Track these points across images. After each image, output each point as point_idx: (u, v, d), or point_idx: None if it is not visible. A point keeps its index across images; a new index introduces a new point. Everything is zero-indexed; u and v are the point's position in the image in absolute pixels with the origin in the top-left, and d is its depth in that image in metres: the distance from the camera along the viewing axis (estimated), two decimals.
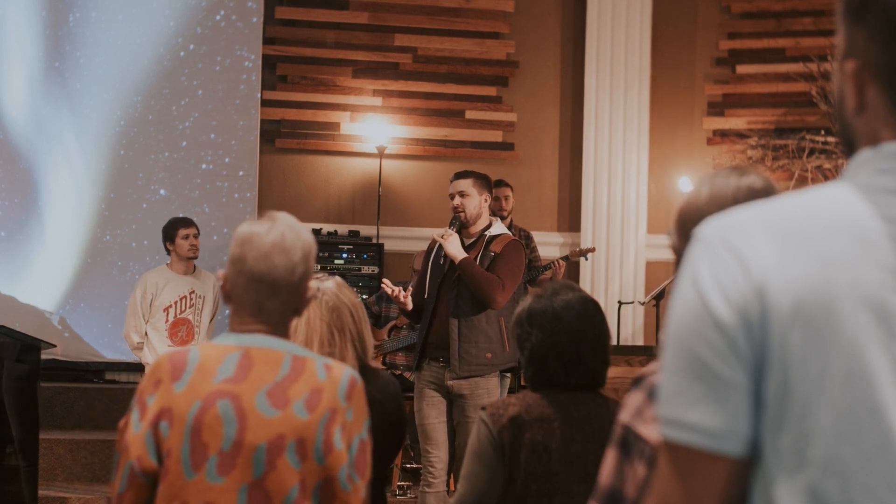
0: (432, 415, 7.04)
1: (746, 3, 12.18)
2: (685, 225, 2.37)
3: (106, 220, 11.06)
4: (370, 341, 4.26)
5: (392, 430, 4.29)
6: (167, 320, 8.65)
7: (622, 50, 11.93)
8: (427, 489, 7.00)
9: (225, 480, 3.01)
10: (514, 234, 10.08)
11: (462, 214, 7.18)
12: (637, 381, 2.33)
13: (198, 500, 3.01)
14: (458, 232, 7.17)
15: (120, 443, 3.10)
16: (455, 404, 7.03)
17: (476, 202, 7.19)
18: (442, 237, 7.08)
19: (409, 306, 7.18)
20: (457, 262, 6.99)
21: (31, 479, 7.81)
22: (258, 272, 3.10)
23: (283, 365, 3.10)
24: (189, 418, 3.02)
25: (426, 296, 7.19)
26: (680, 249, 2.37)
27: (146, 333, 8.64)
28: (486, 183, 7.29)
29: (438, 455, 7.00)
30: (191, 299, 8.75)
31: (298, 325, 4.11)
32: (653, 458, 2.20)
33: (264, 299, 3.11)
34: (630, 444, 2.24)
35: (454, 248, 7.03)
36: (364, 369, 4.20)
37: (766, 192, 2.38)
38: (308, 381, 3.09)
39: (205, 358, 3.10)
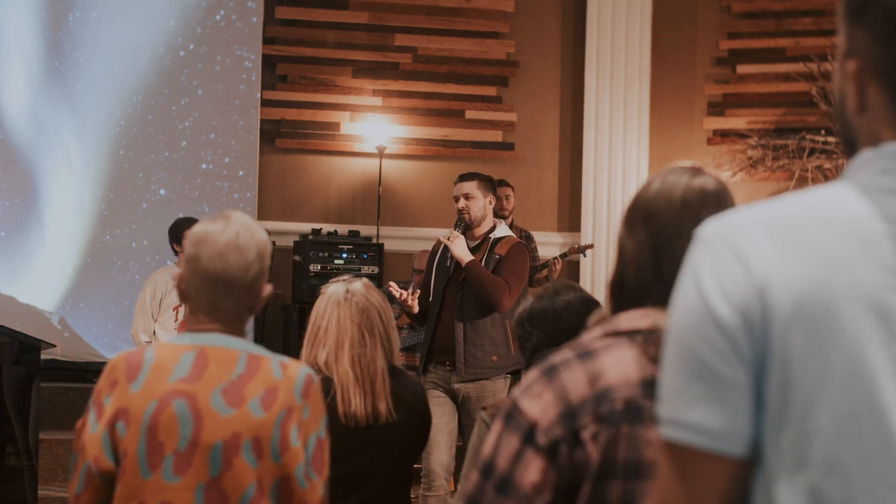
0: (436, 415, 6.98)
1: (746, 2, 12.18)
2: (631, 218, 2.37)
3: (106, 220, 11.05)
4: (397, 342, 4.29)
5: (420, 429, 4.32)
6: (176, 319, 8.65)
7: (622, 50, 11.93)
8: (427, 493, 6.97)
9: (181, 480, 3.00)
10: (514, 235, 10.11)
11: (467, 216, 7.17)
12: (539, 358, 2.34)
13: (154, 499, 3.00)
14: (463, 234, 7.16)
15: (77, 443, 3.10)
16: (462, 407, 7.02)
17: (481, 204, 7.18)
18: (448, 239, 7.06)
19: (415, 310, 7.17)
20: (463, 265, 6.98)
21: (31, 479, 7.80)
22: (213, 271, 3.10)
23: (238, 363, 3.10)
24: (145, 418, 3.02)
25: (431, 298, 7.18)
26: (622, 242, 2.37)
27: (154, 332, 8.63)
28: (490, 185, 7.29)
29: (439, 457, 6.98)
30: None
31: (329, 326, 4.14)
32: (528, 432, 2.21)
33: (219, 298, 3.11)
34: (511, 416, 2.25)
35: (460, 250, 7.02)
36: (392, 370, 4.23)
37: (717, 194, 2.35)
38: (263, 379, 3.08)
39: (160, 358, 3.10)
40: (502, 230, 7.26)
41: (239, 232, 3.12)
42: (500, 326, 7.05)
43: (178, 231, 8.78)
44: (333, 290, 4.26)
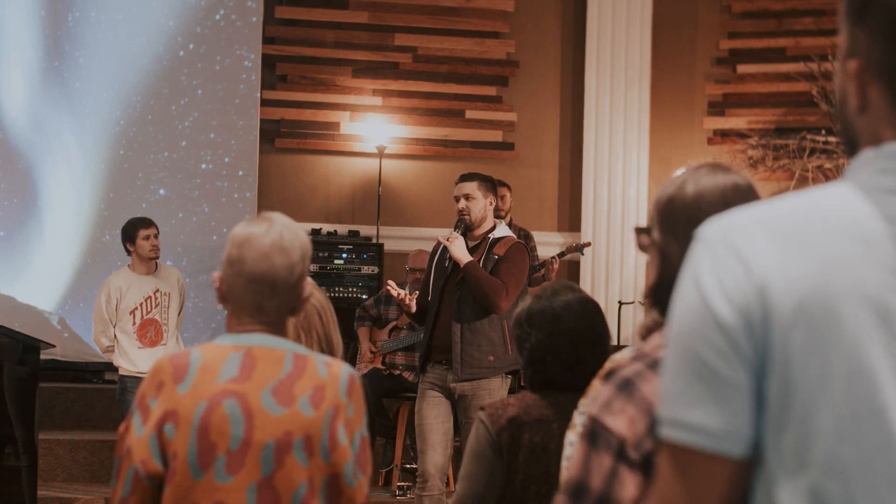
0: (431, 415, 7.02)
1: (747, 2, 12.18)
2: (670, 220, 2.37)
3: (105, 220, 11.05)
4: (338, 342, 4.26)
5: None
6: (134, 322, 8.60)
7: (622, 49, 11.93)
8: (422, 493, 6.98)
9: (234, 480, 3.00)
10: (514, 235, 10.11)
11: (467, 217, 7.16)
12: (609, 375, 2.33)
13: (207, 500, 3.00)
14: (463, 235, 7.16)
15: (121, 447, 3.08)
16: (458, 405, 7.02)
17: (481, 205, 7.17)
18: (447, 240, 7.06)
19: (413, 309, 7.17)
20: (461, 266, 6.97)
21: (31, 479, 7.79)
22: (258, 273, 3.10)
23: (285, 363, 3.10)
24: (195, 419, 3.01)
25: (430, 298, 7.18)
26: (665, 247, 2.37)
27: (115, 336, 8.59)
28: (490, 185, 7.28)
29: (434, 457, 6.97)
30: (156, 298, 8.68)
31: None
32: (619, 449, 2.21)
33: (264, 299, 3.12)
34: (598, 435, 2.25)
35: (459, 251, 7.01)
36: None
37: (750, 190, 2.37)
38: (311, 378, 3.10)
39: (207, 358, 3.10)
40: (502, 230, 7.25)
41: (283, 233, 3.12)
42: (498, 327, 7.04)
43: (131, 231, 8.69)
44: None
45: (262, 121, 11.65)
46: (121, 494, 3.05)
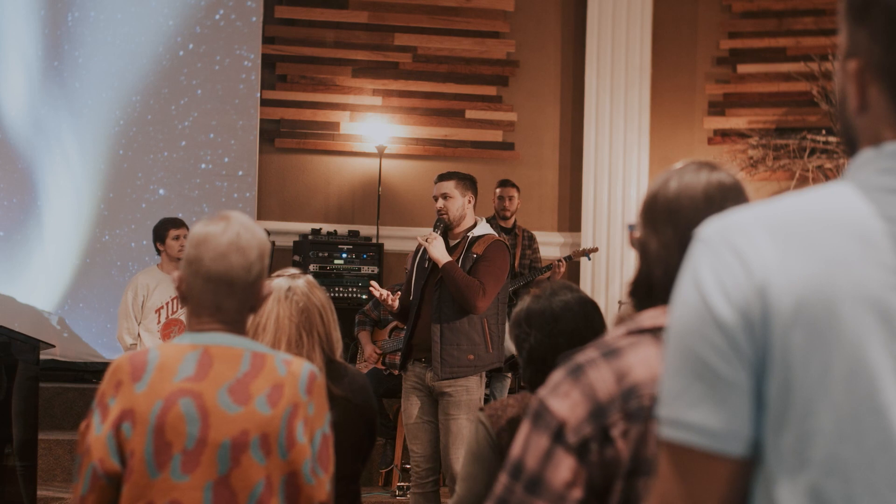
0: (415, 414, 7.07)
1: (747, 2, 12.18)
2: (653, 217, 2.37)
3: (105, 220, 11.05)
4: (338, 340, 4.28)
5: (363, 422, 4.31)
6: (159, 321, 8.63)
7: (623, 49, 11.92)
8: (416, 490, 7.05)
9: (190, 478, 3.01)
10: (518, 235, 10.11)
11: (445, 217, 7.16)
12: (564, 359, 2.34)
13: (163, 499, 3.01)
14: (444, 234, 7.16)
15: (81, 445, 3.10)
16: (439, 403, 7.04)
17: (459, 204, 7.17)
18: (426, 240, 7.06)
19: (395, 308, 7.19)
20: (440, 266, 6.97)
21: (30, 479, 7.79)
22: (216, 272, 3.11)
23: (243, 361, 3.11)
24: (152, 418, 3.03)
25: (411, 297, 7.18)
26: (645, 242, 2.37)
27: (139, 335, 8.61)
28: (469, 184, 7.26)
29: (424, 455, 7.04)
30: None
31: (268, 323, 4.14)
32: (557, 431, 2.23)
33: (222, 299, 3.13)
34: (539, 416, 2.26)
35: (438, 251, 7.02)
36: (331, 366, 4.23)
37: (735, 189, 2.37)
38: (269, 376, 3.10)
39: (164, 357, 3.11)
40: (482, 228, 7.24)
41: (240, 232, 3.13)
42: (479, 326, 7.05)
43: (162, 230, 8.75)
44: (276, 284, 4.25)
45: (261, 121, 11.65)
46: (80, 492, 3.07)
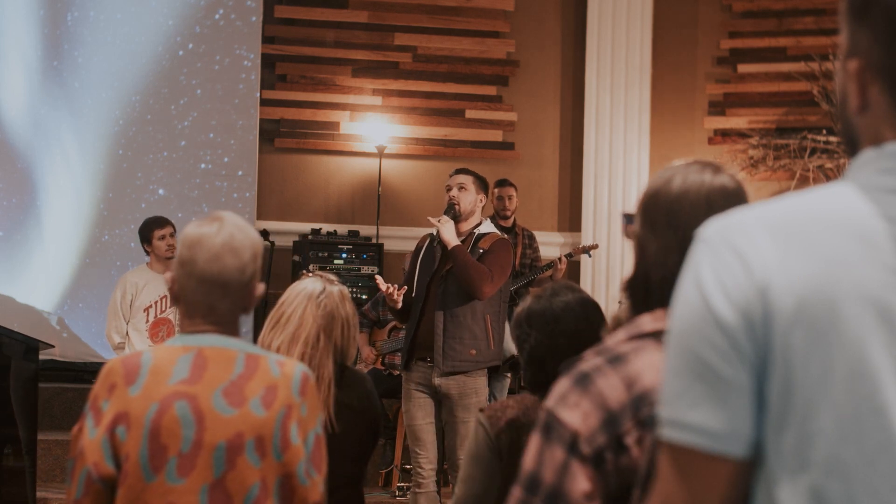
0: (419, 416, 7.03)
1: (748, 2, 12.18)
2: (652, 217, 2.35)
3: (104, 220, 11.05)
4: (351, 357, 4.31)
5: (368, 429, 4.32)
6: (148, 320, 8.60)
7: (623, 49, 11.92)
8: (417, 490, 7.02)
9: (185, 482, 3.00)
10: (518, 234, 10.11)
11: (457, 205, 7.15)
12: (567, 367, 2.33)
13: (159, 502, 3.00)
14: (448, 213, 7.16)
15: (74, 449, 3.09)
16: (443, 404, 7.02)
17: (472, 198, 7.18)
18: (439, 221, 7.05)
19: (399, 304, 7.11)
20: (449, 248, 6.96)
21: (30, 479, 7.78)
22: (209, 274, 3.10)
23: (237, 363, 3.10)
24: (147, 421, 3.02)
25: (414, 294, 7.15)
26: (644, 242, 2.36)
27: (127, 334, 8.59)
28: (484, 184, 7.31)
29: (427, 456, 7.01)
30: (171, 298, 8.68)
31: (293, 316, 4.16)
32: (571, 443, 2.22)
33: (215, 300, 3.12)
34: (551, 428, 2.25)
35: (448, 233, 7.00)
36: (342, 372, 4.26)
37: (738, 193, 2.36)
38: (263, 378, 3.10)
39: (158, 360, 3.10)
40: (487, 226, 7.26)
41: (233, 233, 3.12)
42: (481, 321, 7.04)
43: (146, 231, 8.72)
44: (311, 284, 4.28)
45: (261, 120, 11.64)
46: (74, 496, 3.06)
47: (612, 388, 2.22)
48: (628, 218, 2.66)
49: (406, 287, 7.13)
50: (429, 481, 6.99)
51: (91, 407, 3.08)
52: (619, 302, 11.01)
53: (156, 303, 8.65)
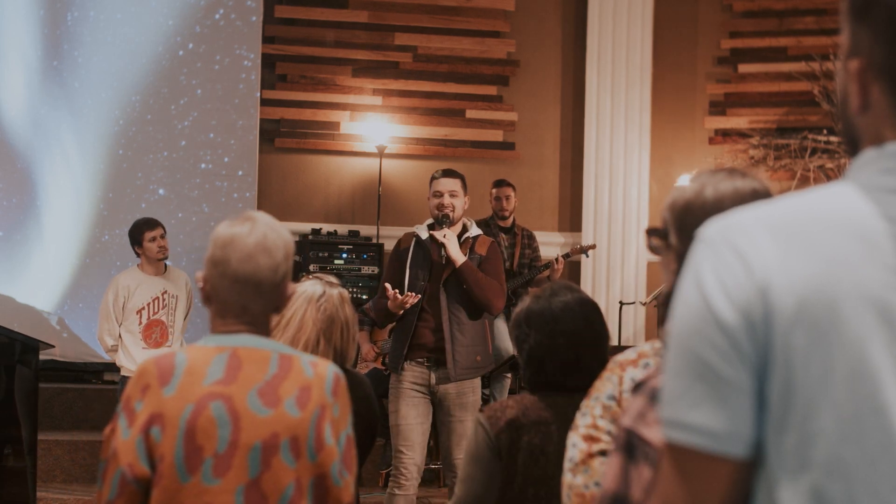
0: (412, 416, 6.96)
1: (748, 1, 12.18)
2: (689, 225, 2.35)
3: (104, 220, 11.04)
4: (350, 359, 4.31)
5: (364, 432, 4.33)
6: (140, 322, 8.58)
7: (623, 49, 11.92)
8: (397, 491, 6.88)
9: (221, 482, 3.00)
10: (517, 234, 10.10)
11: (451, 214, 7.10)
12: (638, 386, 2.32)
13: (194, 503, 3.00)
14: (444, 225, 7.10)
15: (107, 450, 3.08)
16: (441, 405, 6.98)
17: (462, 202, 7.15)
18: (444, 237, 6.99)
19: (408, 305, 7.02)
20: (457, 266, 6.92)
21: (30, 480, 7.78)
22: (243, 273, 3.10)
23: (271, 363, 3.11)
24: (182, 422, 3.01)
25: (405, 292, 7.06)
26: (681, 250, 2.36)
27: (120, 336, 8.57)
28: (466, 184, 7.26)
29: (413, 457, 6.94)
30: (164, 300, 8.66)
31: (293, 320, 4.18)
32: (657, 460, 2.17)
33: (248, 300, 3.12)
34: (634, 447, 2.25)
35: (455, 251, 6.96)
36: None
37: (766, 196, 2.37)
38: (297, 378, 3.10)
39: (192, 361, 3.09)
40: (475, 228, 7.21)
41: (266, 233, 3.13)
42: (481, 326, 7.06)
43: (136, 234, 8.68)
44: (311, 287, 4.29)
45: (261, 120, 11.64)
46: (107, 497, 3.04)
47: None
48: (652, 232, 2.67)
49: (419, 295, 7.03)
50: (411, 483, 6.90)
51: (124, 408, 3.07)
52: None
53: (148, 305, 8.62)
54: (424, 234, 7.15)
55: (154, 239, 8.61)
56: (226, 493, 3.00)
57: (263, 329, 3.16)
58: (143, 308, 8.60)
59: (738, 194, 2.34)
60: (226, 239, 3.13)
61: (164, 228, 8.71)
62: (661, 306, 2.44)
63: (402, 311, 7.01)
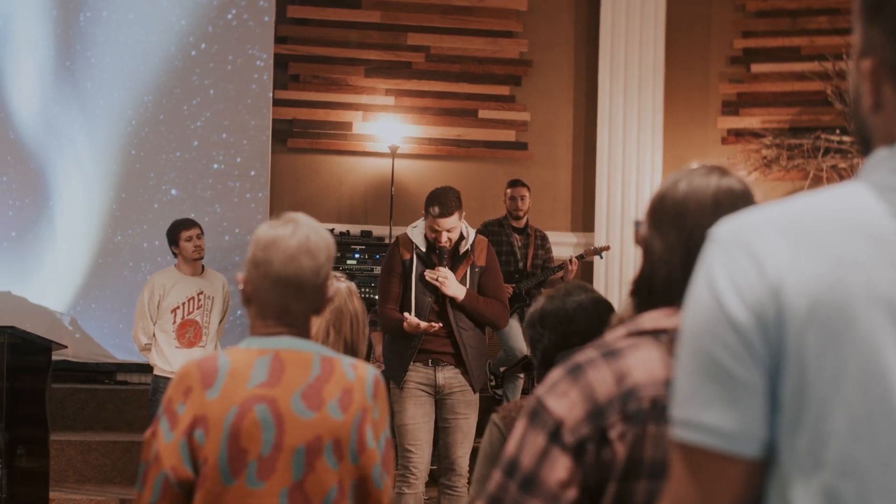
0: (419, 415, 7.03)
1: (761, 1, 12.17)
2: (659, 218, 2.36)
3: (117, 221, 11.06)
4: (362, 353, 4.31)
5: None
6: (175, 322, 8.60)
7: (636, 49, 11.91)
8: (406, 489, 6.98)
9: (265, 485, 3.01)
10: (530, 235, 10.11)
11: (448, 246, 7.05)
12: (563, 358, 2.35)
13: None
14: (440, 259, 7.04)
15: (148, 453, 3.08)
16: (443, 403, 7.04)
17: (459, 225, 7.08)
18: (437, 280, 6.98)
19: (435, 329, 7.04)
20: (459, 302, 6.99)
21: (42, 480, 7.80)
22: (285, 275, 3.10)
23: (313, 366, 3.11)
24: (226, 425, 3.02)
25: (413, 310, 7.05)
26: (650, 242, 2.37)
27: (154, 335, 8.59)
28: (461, 202, 7.12)
29: (421, 456, 7.02)
30: (199, 300, 8.69)
31: None
32: (554, 431, 2.23)
33: (290, 301, 3.12)
34: (536, 414, 2.26)
35: (453, 289, 7.00)
36: None
37: (745, 195, 2.36)
38: (339, 381, 3.11)
39: (235, 363, 3.10)
40: (471, 234, 7.18)
41: (309, 235, 3.13)
42: (483, 334, 7.25)
43: (174, 233, 8.71)
44: None
45: (274, 120, 11.64)
46: (149, 500, 3.05)
47: (601, 381, 2.23)
48: (638, 224, 2.67)
49: (441, 325, 7.04)
50: (420, 482, 7.00)
51: (165, 411, 3.07)
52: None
53: (183, 304, 8.65)
54: (423, 247, 7.10)
55: (190, 238, 8.65)
56: (270, 496, 3.01)
57: (304, 331, 3.16)
58: (178, 307, 8.62)
59: (710, 190, 2.34)
60: (268, 240, 3.13)
61: (200, 228, 8.75)
62: (631, 294, 2.46)
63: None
